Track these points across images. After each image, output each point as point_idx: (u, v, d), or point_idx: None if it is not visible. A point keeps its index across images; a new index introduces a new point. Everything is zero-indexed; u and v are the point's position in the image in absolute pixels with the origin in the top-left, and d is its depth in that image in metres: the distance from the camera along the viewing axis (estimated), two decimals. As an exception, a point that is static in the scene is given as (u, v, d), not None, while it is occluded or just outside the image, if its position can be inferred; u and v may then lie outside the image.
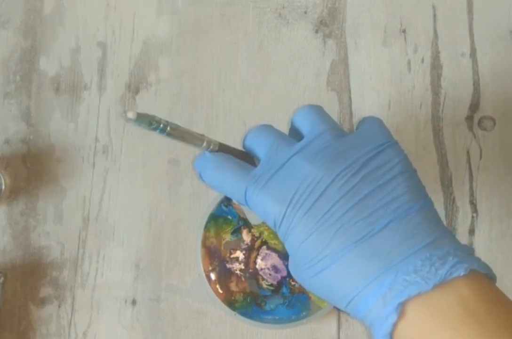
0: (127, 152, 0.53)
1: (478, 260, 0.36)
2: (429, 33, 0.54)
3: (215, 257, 0.50)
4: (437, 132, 0.53)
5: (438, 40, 0.54)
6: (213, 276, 0.49)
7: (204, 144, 0.38)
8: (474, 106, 0.53)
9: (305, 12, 0.55)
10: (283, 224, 0.36)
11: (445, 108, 0.53)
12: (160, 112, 0.54)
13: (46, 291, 0.52)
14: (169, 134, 0.37)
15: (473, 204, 0.52)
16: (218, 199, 0.49)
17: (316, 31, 0.55)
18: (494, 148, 0.53)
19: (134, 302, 0.51)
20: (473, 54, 0.54)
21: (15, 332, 0.51)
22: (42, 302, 0.51)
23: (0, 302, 0.51)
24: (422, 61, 0.54)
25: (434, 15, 0.54)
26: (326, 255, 0.35)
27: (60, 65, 0.54)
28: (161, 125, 0.36)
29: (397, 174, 0.36)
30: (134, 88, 0.54)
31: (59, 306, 0.51)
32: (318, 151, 0.37)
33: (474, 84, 0.53)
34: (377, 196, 0.35)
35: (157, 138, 0.53)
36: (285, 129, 0.53)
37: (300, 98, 0.54)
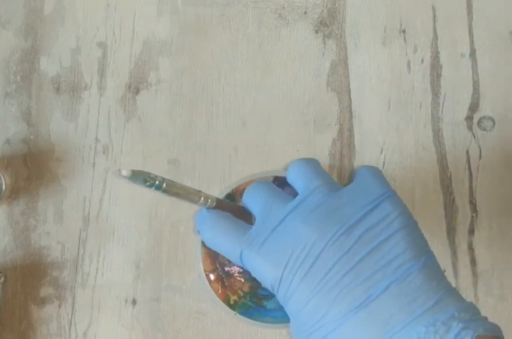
0: (127, 152, 0.53)
1: (484, 322, 0.33)
2: (429, 33, 0.54)
3: (215, 257, 0.50)
4: (436, 132, 0.53)
5: (437, 40, 0.54)
6: (213, 276, 0.49)
7: (201, 200, 0.37)
8: (474, 106, 0.53)
9: (305, 13, 0.55)
10: (280, 289, 0.35)
11: (445, 108, 0.53)
12: (160, 112, 0.54)
13: (46, 291, 0.52)
14: (165, 191, 0.36)
15: (472, 204, 0.52)
16: (218, 199, 0.50)
17: (316, 32, 0.55)
18: (494, 148, 0.53)
19: (134, 302, 0.52)
20: (472, 54, 0.54)
21: (16, 332, 0.51)
22: (43, 302, 0.51)
23: (1, 302, 0.51)
24: (422, 61, 0.54)
25: (434, 16, 0.54)
26: (326, 322, 0.33)
27: (60, 65, 0.54)
28: (157, 182, 0.35)
29: (396, 230, 0.34)
30: (134, 88, 0.54)
31: (59, 306, 0.52)
32: (312, 209, 0.35)
33: (473, 84, 0.54)
34: (374, 257, 0.33)
35: (157, 138, 0.53)
36: (285, 130, 0.53)
37: (300, 98, 0.54)
